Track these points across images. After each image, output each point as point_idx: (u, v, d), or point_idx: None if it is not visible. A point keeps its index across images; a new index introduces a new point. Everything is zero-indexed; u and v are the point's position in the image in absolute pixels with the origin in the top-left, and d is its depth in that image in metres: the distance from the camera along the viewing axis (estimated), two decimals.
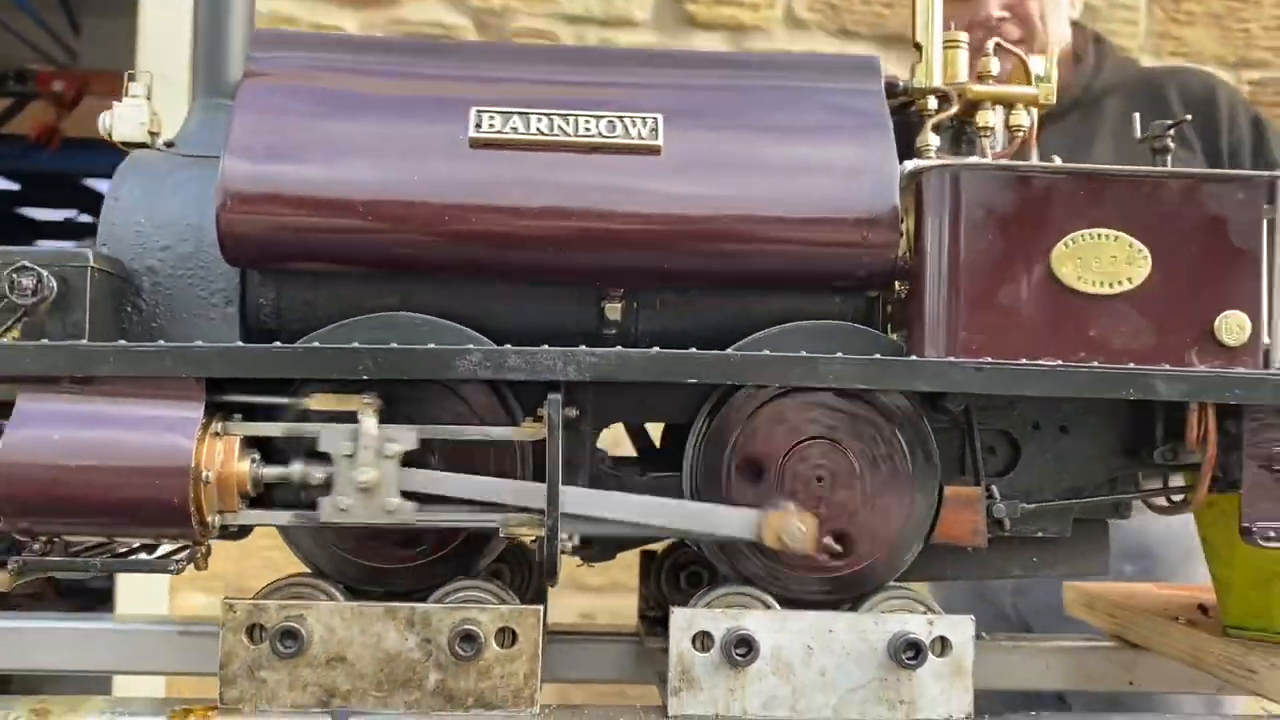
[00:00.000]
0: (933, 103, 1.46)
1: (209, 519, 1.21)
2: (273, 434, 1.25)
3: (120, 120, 1.42)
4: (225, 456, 1.21)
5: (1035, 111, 1.46)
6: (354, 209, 1.28)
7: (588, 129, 1.31)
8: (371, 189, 1.28)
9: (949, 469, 1.35)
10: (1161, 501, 1.45)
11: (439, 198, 1.28)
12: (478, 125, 1.30)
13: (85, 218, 8.09)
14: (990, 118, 1.44)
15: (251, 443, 1.25)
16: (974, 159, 1.39)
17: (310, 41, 1.45)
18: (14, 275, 1.22)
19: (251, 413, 1.26)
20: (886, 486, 1.31)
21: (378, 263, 1.32)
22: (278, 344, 1.25)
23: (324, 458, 1.23)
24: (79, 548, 1.29)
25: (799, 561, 1.30)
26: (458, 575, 1.32)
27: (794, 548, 1.27)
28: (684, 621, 1.27)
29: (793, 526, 1.26)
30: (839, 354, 1.26)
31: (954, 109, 1.45)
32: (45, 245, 8.57)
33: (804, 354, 1.26)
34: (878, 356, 1.27)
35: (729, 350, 1.30)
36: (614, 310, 1.35)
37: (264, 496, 1.27)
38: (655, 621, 1.63)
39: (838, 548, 1.31)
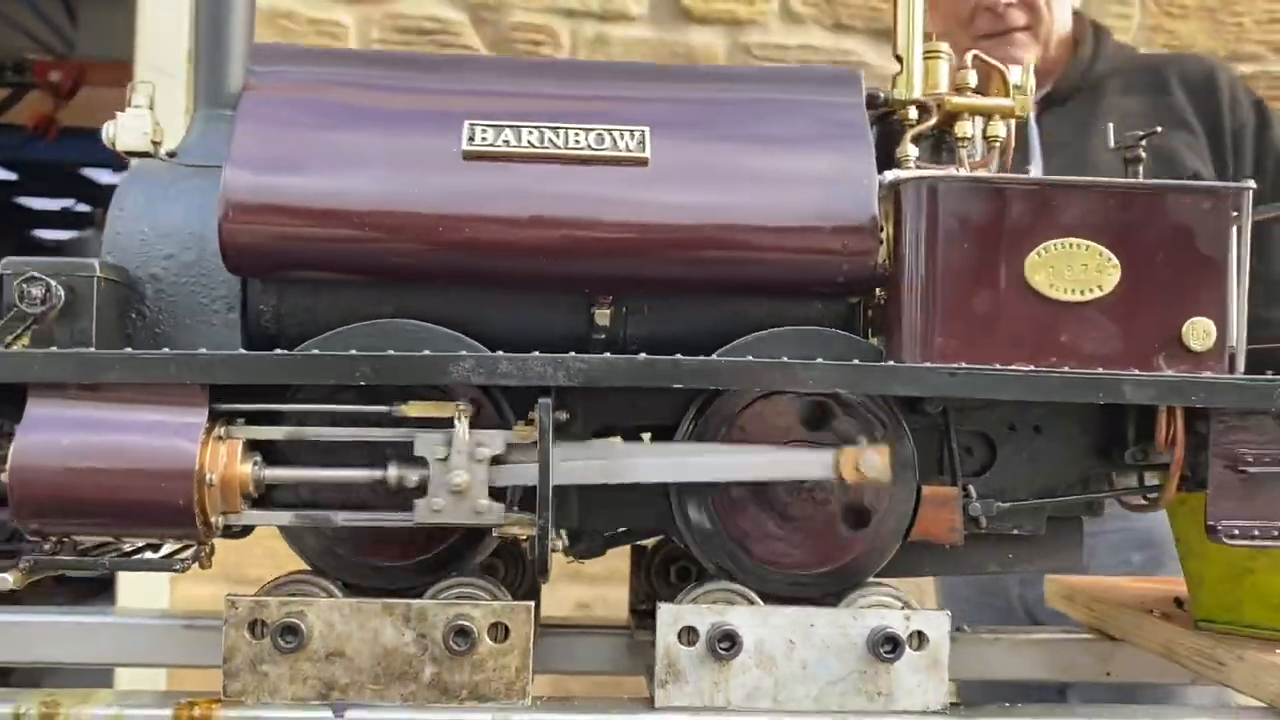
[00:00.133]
0: (913, 113, 1.49)
1: (212, 519, 1.25)
2: (274, 438, 1.29)
3: (123, 130, 1.45)
4: (228, 459, 1.25)
5: (1013, 123, 1.49)
6: (352, 219, 1.31)
7: (577, 141, 1.35)
8: (369, 200, 1.32)
9: (927, 469, 1.39)
10: (1135, 499, 1.50)
11: (434, 208, 1.32)
12: (471, 138, 1.34)
13: (82, 207, 8.07)
14: (968, 128, 1.47)
15: (254, 445, 1.29)
16: (950, 171, 1.43)
17: (309, 55, 1.49)
18: (24, 285, 1.26)
19: (254, 416, 1.30)
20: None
21: (375, 271, 1.36)
22: (278, 351, 1.29)
23: (420, 461, 1.27)
24: (86, 546, 1.33)
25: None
26: (453, 572, 1.37)
27: (872, 478, 1.31)
28: (670, 617, 1.32)
29: (870, 457, 1.30)
30: (819, 359, 1.31)
31: (933, 120, 1.48)
32: (42, 234, 8.59)
33: (784, 359, 1.30)
34: (856, 362, 1.32)
35: (714, 355, 1.34)
36: (603, 316, 1.39)
37: (265, 497, 1.31)
38: (645, 615, 1.66)
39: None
